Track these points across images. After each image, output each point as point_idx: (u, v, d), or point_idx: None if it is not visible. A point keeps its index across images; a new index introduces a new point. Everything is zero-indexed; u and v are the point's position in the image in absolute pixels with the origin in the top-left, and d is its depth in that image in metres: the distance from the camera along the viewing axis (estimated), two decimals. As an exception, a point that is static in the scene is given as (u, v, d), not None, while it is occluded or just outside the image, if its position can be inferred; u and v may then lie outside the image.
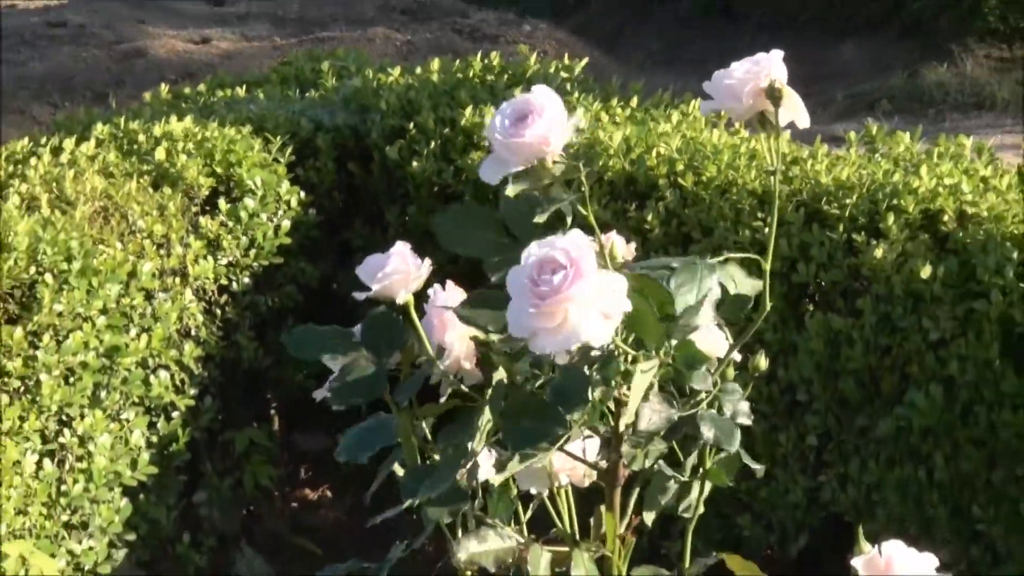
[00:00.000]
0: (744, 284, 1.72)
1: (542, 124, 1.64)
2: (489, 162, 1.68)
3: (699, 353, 1.66)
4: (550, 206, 1.64)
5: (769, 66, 1.68)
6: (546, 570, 1.73)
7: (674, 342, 1.64)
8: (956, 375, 3.19)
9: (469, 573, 1.78)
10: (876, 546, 1.76)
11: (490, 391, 1.68)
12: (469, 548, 1.71)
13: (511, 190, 1.66)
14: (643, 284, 1.60)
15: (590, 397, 1.62)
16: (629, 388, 1.66)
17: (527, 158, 1.66)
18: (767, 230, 3.35)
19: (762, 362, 1.87)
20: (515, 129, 1.65)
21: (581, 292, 1.53)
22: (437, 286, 1.76)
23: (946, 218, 3.32)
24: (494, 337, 1.69)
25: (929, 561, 1.76)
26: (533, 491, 1.81)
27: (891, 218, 3.33)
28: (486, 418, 1.67)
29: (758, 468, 1.80)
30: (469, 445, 1.66)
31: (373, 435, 1.76)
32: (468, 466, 1.69)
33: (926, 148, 3.72)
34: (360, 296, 1.75)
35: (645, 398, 1.68)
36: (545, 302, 1.53)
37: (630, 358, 1.64)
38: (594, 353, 1.62)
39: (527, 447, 1.62)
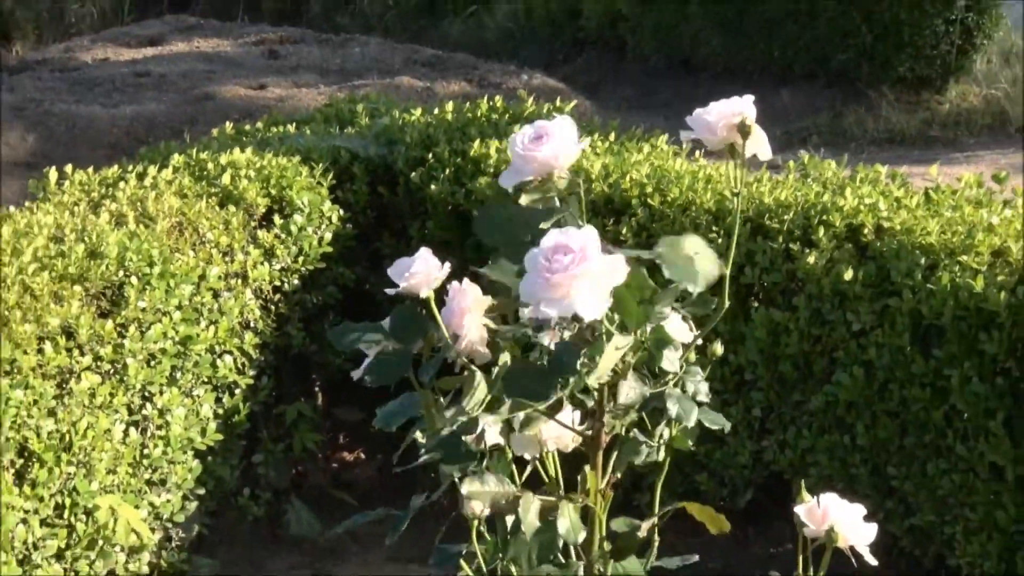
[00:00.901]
0: (712, 261, 1.71)
1: (553, 144, 1.66)
2: (508, 172, 1.69)
3: (668, 336, 1.66)
4: (553, 216, 1.66)
5: (742, 107, 1.68)
6: (535, 517, 1.72)
7: (650, 326, 1.64)
8: (874, 359, 3.18)
9: (476, 521, 1.77)
10: (815, 498, 1.75)
11: (497, 368, 1.67)
12: (471, 486, 1.71)
13: (524, 199, 1.67)
14: (630, 275, 1.61)
15: (578, 368, 1.62)
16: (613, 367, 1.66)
17: (538, 171, 1.67)
18: (720, 240, 3.36)
19: (718, 348, 1.86)
20: (532, 145, 1.67)
21: (584, 272, 1.55)
22: (455, 282, 1.76)
23: (866, 231, 3.31)
24: (503, 328, 1.70)
25: (858, 510, 1.75)
26: (527, 456, 1.80)
27: (821, 231, 3.32)
28: (481, 386, 1.66)
29: (722, 426, 1.79)
30: (464, 405, 1.65)
31: (403, 409, 1.76)
32: (476, 431, 1.69)
33: (849, 174, 3.72)
34: (391, 292, 1.75)
35: (623, 376, 1.68)
36: (554, 276, 1.55)
37: (614, 335, 1.64)
38: (586, 324, 1.62)
39: (523, 399, 1.63)
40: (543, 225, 1.64)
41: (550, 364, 1.62)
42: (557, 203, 1.68)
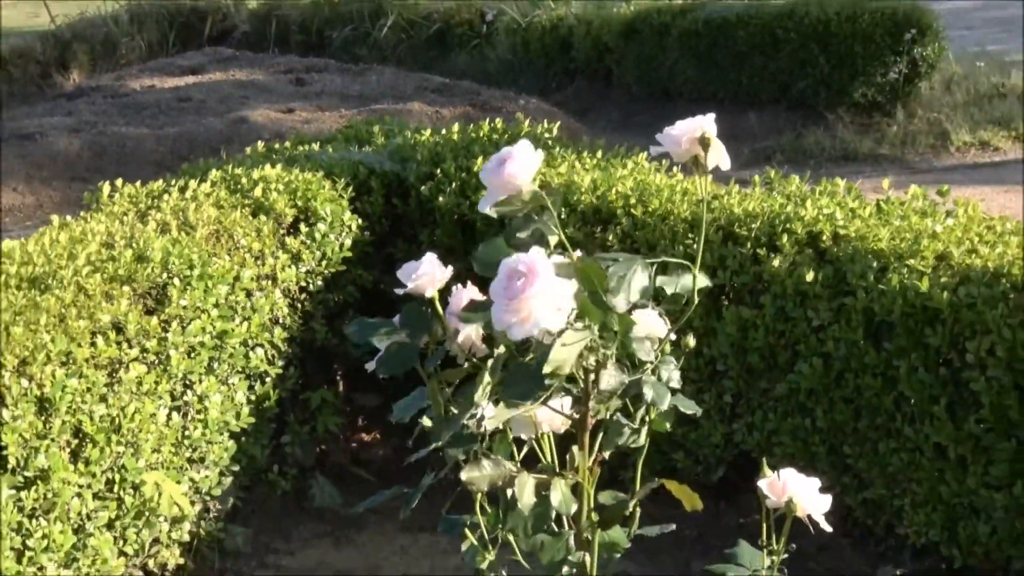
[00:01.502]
0: (701, 280, 1.71)
1: (512, 165, 1.64)
2: (484, 197, 1.68)
3: (631, 320, 1.65)
4: (529, 226, 1.65)
5: (703, 123, 1.68)
6: (531, 493, 1.71)
7: (616, 318, 1.63)
8: (832, 351, 3.17)
9: (479, 495, 1.76)
10: (776, 473, 1.75)
11: (491, 360, 1.66)
12: (471, 472, 1.70)
13: (492, 211, 1.66)
14: (585, 266, 1.60)
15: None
16: (592, 361, 1.65)
17: (507, 190, 1.66)
18: (695, 246, 3.35)
19: (691, 341, 1.85)
20: (497, 169, 1.66)
21: (536, 292, 1.54)
22: (459, 285, 1.75)
23: (825, 238, 3.30)
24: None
25: (814, 483, 1.75)
26: (524, 437, 1.79)
27: (785, 238, 3.31)
28: (487, 380, 1.65)
29: (694, 411, 1.78)
30: (475, 398, 1.65)
31: (416, 402, 1.76)
32: (476, 416, 1.68)
33: (809, 188, 3.71)
34: (400, 292, 1.74)
35: (604, 367, 1.67)
36: (512, 302, 1.54)
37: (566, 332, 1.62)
38: (555, 330, 1.60)
39: (521, 399, 1.62)
40: (521, 234, 1.64)
41: (535, 367, 1.61)
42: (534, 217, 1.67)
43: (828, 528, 1.74)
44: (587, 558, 1.80)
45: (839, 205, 3.47)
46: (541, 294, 1.54)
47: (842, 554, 3.38)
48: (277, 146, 4.70)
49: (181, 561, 3.37)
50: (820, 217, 3.36)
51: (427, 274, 1.72)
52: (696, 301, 1.69)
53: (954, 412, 2.98)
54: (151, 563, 3.32)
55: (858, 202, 3.52)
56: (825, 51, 8.33)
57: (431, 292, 1.72)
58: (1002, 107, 8.37)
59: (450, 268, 1.75)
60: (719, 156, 1.69)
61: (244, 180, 3.95)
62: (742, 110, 8.57)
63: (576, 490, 1.76)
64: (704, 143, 1.67)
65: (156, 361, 3.22)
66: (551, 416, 1.75)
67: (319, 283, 3.87)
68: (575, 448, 1.77)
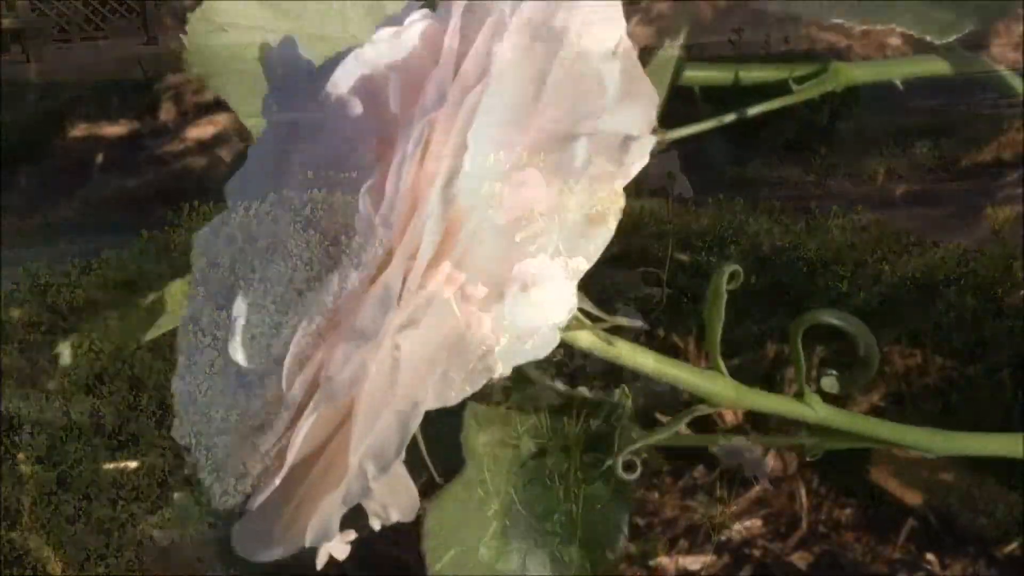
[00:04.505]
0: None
1: None
2: None
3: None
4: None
5: (667, 161, 1.66)
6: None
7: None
8: (770, 339, 3.15)
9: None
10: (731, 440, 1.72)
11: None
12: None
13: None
14: None
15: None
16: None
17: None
18: (660, 255, 3.31)
19: (661, 332, 1.82)
20: None
21: None
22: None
23: (764, 247, 3.27)
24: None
25: (757, 450, 1.72)
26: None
27: (733, 248, 3.28)
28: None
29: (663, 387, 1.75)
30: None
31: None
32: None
33: (752, 208, 3.68)
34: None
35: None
36: None
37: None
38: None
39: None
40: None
41: None
42: None
43: (768, 486, 1.71)
44: (572, 507, 1.77)
45: (776, 222, 3.44)
46: None
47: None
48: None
49: (246, 508, 3.34)
50: (760, 231, 3.33)
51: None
52: (664, 300, 1.67)
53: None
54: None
55: (791, 219, 3.49)
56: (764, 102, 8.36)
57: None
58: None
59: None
60: (683, 187, 1.67)
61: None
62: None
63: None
64: (670, 178, 1.65)
65: (225, 347, 3.19)
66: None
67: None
68: (565, 419, 1.74)
